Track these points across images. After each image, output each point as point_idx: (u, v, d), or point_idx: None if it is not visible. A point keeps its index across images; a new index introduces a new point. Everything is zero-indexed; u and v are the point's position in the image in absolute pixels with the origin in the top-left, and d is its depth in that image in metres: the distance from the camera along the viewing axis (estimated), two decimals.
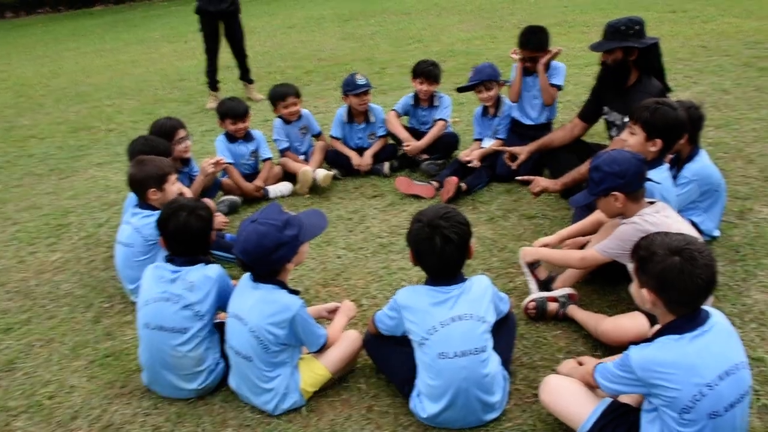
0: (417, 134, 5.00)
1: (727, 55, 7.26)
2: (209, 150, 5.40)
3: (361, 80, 4.85)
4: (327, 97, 7.36)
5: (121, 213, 3.91)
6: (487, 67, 4.65)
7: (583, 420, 2.20)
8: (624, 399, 2.23)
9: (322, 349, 2.67)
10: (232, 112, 4.67)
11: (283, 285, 2.58)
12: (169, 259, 2.77)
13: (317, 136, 5.15)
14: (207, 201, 4.05)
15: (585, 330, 2.91)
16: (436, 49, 9.36)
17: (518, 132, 4.78)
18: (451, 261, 2.41)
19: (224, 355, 2.73)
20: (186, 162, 4.32)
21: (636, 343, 2.06)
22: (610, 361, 2.14)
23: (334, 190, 4.81)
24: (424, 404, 2.44)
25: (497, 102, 4.76)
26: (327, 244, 3.98)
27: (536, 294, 3.10)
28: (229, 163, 4.62)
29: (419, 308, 2.42)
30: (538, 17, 10.76)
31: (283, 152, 5.01)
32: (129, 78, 9.91)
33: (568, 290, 3.08)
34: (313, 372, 2.65)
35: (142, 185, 3.36)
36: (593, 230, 3.22)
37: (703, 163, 3.42)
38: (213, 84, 7.59)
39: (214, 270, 2.71)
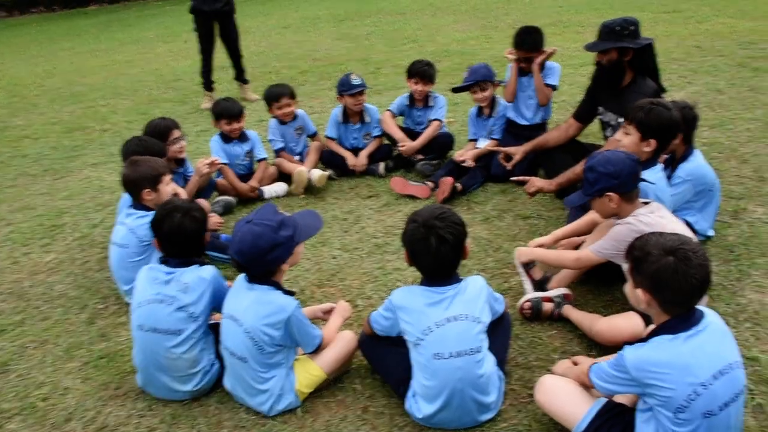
0: (412, 134, 5.00)
1: (721, 56, 7.29)
2: (204, 150, 5.39)
3: (356, 80, 4.85)
4: (322, 97, 7.36)
5: (115, 214, 3.89)
6: (482, 67, 4.65)
7: (579, 420, 2.21)
8: (619, 399, 2.23)
9: (317, 349, 2.66)
10: (227, 112, 4.65)
11: (278, 286, 2.58)
12: (164, 261, 2.77)
13: (312, 136, 5.15)
14: (202, 201, 4.07)
15: (580, 330, 2.91)
16: (431, 49, 9.37)
17: (513, 132, 4.78)
18: (446, 261, 2.41)
19: (219, 357, 2.73)
20: (181, 162, 4.31)
21: (631, 343, 2.07)
22: (605, 361, 2.14)
23: (329, 190, 4.81)
24: (420, 405, 2.44)
25: (492, 102, 4.76)
26: (322, 245, 3.98)
27: (531, 294, 3.10)
28: (224, 164, 4.60)
29: (414, 309, 2.42)
30: (533, 17, 10.78)
31: (278, 152, 5.00)
32: (124, 78, 9.88)
33: (563, 290, 3.09)
34: (309, 373, 2.65)
35: (136, 186, 3.35)
36: (588, 230, 3.22)
37: (697, 163, 3.43)
38: (208, 84, 7.57)
39: (208, 271, 2.71)
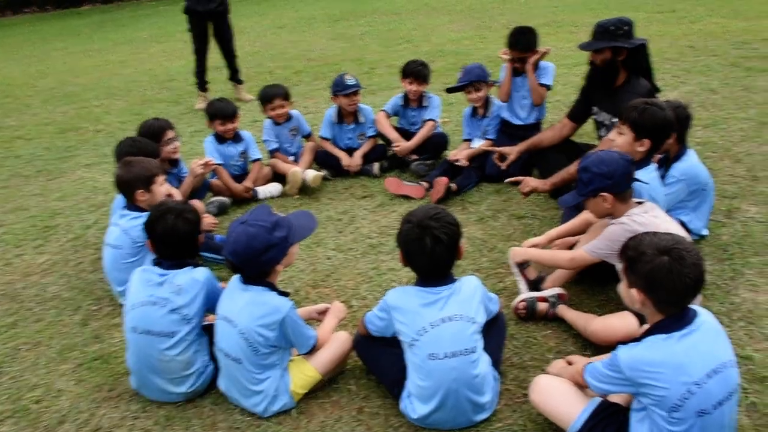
0: (406, 135, 5.00)
1: (714, 55, 7.31)
2: (198, 151, 5.38)
3: (350, 80, 4.84)
4: (316, 98, 7.35)
5: (109, 215, 3.88)
6: (476, 67, 4.65)
7: (573, 420, 2.21)
8: (613, 398, 2.24)
9: (312, 350, 2.66)
10: (221, 112, 4.64)
11: (272, 287, 2.57)
12: (157, 263, 2.76)
13: (307, 136, 5.14)
14: (196, 202, 4.05)
15: (575, 330, 2.92)
16: (426, 49, 9.37)
17: (508, 132, 4.79)
18: (440, 261, 2.41)
19: (213, 358, 2.72)
20: (175, 163, 4.30)
21: (625, 342, 2.07)
22: (599, 361, 2.15)
23: (323, 190, 4.80)
24: (415, 405, 2.44)
25: (486, 102, 4.77)
26: (317, 245, 3.97)
27: (526, 294, 3.10)
28: (219, 164, 4.59)
29: (409, 309, 2.41)
30: (528, 17, 10.80)
31: (272, 153, 4.99)
32: (117, 78, 9.84)
33: (557, 290, 3.09)
34: (303, 374, 2.64)
35: (129, 186, 3.34)
36: (582, 230, 3.23)
37: (691, 163, 3.44)
38: (202, 84, 7.55)
39: (201, 273, 2.70)
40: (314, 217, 2.79)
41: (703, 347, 1.98)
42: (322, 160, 5.03)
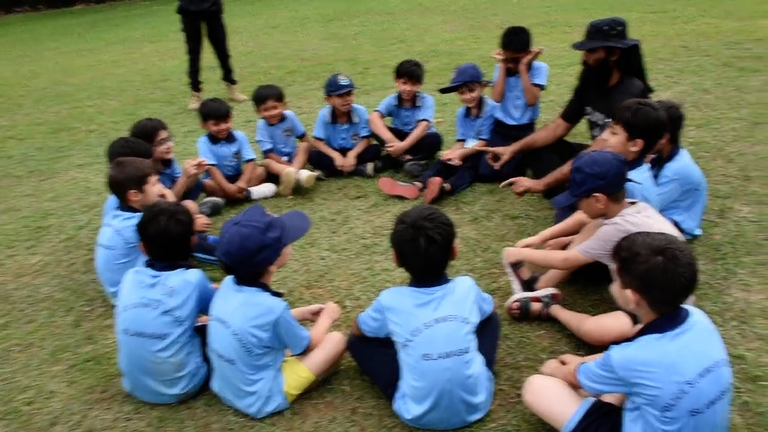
0: (400, 135, 4.99)
1: (707, 55, 7.34)
2: (191, 151, 5.36)
3: (344, 81, 4.84)
4: (310, 98, 7.33)
5: (101, 215, 3.86)
6: (470, 68, 4.66)
7: (567, 420, 2.21)
8: (607, 398, 2.24)
9: (305, 351, 2.65)
10: (215, 113, 4.63)
11: (266, 287, 2.56)
12: (149, 264, 2.74)
13: (301, 137, 5.13)
14: (189, 203, 4.03)
15: (568, 330, 2.92)
16: (419, 49, 9.37)
17: (501, 132, 4.79)
18: (434, 262, 2.41)
19: (206, 359, 2.71)
20: (168, 163, 4.28)
21: (618, 342, 2.08)
22: (592, 361, 2.15)
23: (317, 191, 4.79)
24: (408, 406, 2.43)
25: (480, 103, 4.77)
26: (310, 246, 3.96)
27: (520, 294, 3.10)
28: (212, 165, 4.58)
29: (403, 309, 2.41)
30: (521, 17, 10.81)
31: (266, 153, 4.98)
32: (110, 78, 9.80)
33: (551, 290, 3.09)
34: (297, 374, 2.64)
35: (122, 187, 3.32)
36: (576, 230, 3.23)
37: (683, 163, 3.45)
38: (195, 84, 7.53)
39: (194, 275, 2.69)
40: (308, 217, 2.79)
41: (696, 347, 1.99)
42: (316, 160, 5.02)
